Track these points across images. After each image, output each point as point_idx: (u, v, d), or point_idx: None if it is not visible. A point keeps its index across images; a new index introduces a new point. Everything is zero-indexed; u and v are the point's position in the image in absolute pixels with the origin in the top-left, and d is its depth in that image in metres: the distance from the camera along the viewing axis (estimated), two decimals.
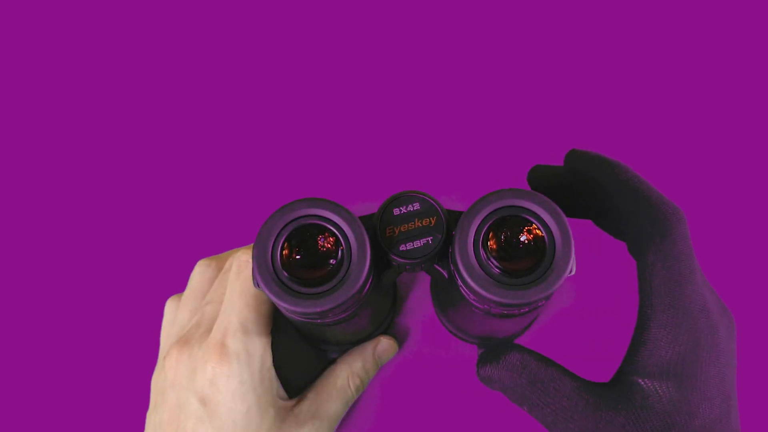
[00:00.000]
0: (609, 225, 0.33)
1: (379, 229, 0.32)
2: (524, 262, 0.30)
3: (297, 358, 0.41)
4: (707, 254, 0.42)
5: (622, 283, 0.48)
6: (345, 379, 0.41)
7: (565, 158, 0.34)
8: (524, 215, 0.30)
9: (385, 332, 0.45)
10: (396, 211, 0.32)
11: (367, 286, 0.32)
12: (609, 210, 0.32)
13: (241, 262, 0.37)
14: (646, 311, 0.30)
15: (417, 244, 0.32)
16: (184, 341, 0.37)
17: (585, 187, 0.33)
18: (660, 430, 0.29)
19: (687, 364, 0.29)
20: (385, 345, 0.43)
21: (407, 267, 0.33)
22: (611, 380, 0.31)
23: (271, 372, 0.37)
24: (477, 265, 0.30)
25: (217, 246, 0.45)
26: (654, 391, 0.29)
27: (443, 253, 0.33)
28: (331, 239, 0.30)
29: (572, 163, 0.33)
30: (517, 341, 0.45)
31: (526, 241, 0.30)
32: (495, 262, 0.30)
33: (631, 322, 0.44)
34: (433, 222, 0.32)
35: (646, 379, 0.29)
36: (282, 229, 0.30)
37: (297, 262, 0.30)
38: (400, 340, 0.47)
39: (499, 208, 0.30)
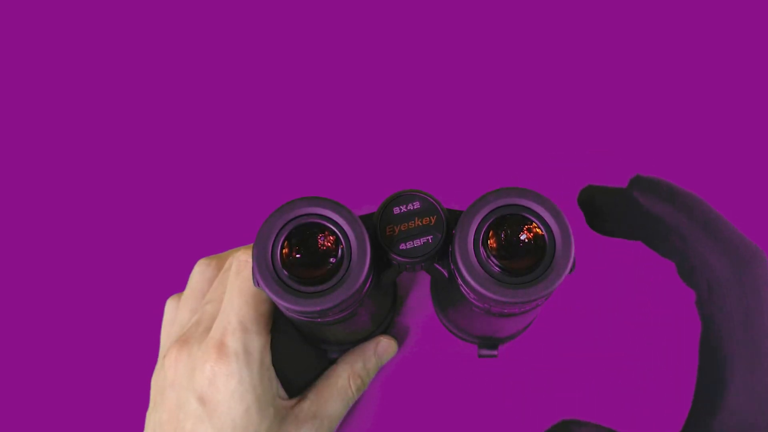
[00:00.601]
0: (669, 253, 0.30)
1: (379, 228, 0.32)
2: (524, 260, 0.30)
3: (297, 358, 0.41)
4: None
5: (623, 282, 0.48)
6: (346, 379, 0.41)
7: (630, 184, 0.31)
8: (524, 214, 0.30)
9: (385, 332, 0.45)
10: (396, 210, 0.32)
11: (367, 285, 0.32)
12: (674, 244, 0.29)
13: (240, 261, 0.37)
14: (722, 369, 0.27)
15: (417, 243, 0.32)
16: (183, 340, 0.37)
17: (648, 219, 0.29)
18: None
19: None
20: (385, 345, 0.43)
21: (407, 266, 0.33)
22: None
23: (271, 371, 0.37)
24: (477, 263, 0.30)
25: (217, 246, 0.45)
26: None
27: (443, 252, 0.33)
28: (331, 238, 0.30)
29: (636, 190, 0.30)
30: (516, 341, 0.45)
31: (527, 240, 0.30)
32: (495, 260, 0.30)
33: (632, 321, 0.43)
34: (433, 221, 0.32)
35: None
36: (282, 227, 0.30)
37: (297, 261, 0.30)
38: (400, 340, 0.47)
39: (499, 207, 0.30)
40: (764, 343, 0.26)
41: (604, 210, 0.31)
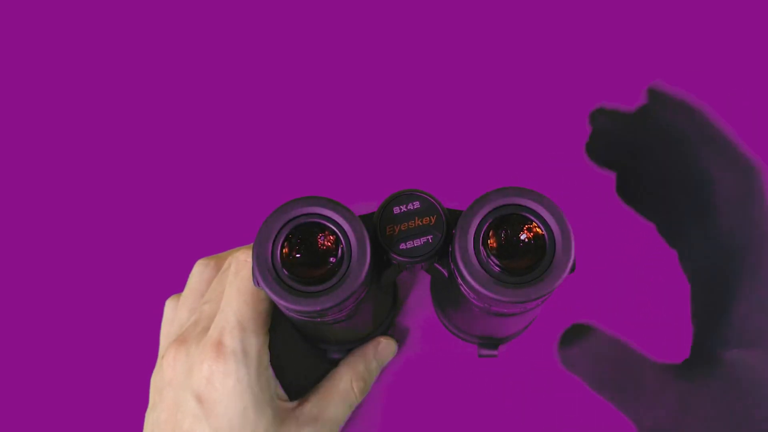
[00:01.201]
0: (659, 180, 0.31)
1: (380, 227, 0.32)
2: (524, 260, 0.30)
3: (297, 359, 0.41)
4: None
5: (623, 282, 0.48)
6: (348, 381, 0.41)
7: (647, 94, 0.32)
8: (524, 213, 0.30)
9: (384, 332, 0.45)
10: (396, 210, 0.32)
11: (367, 285, 0.32)
12: (681, 158, 0.30)
13: (239, 261, 0.37)
14: (726, 276, 0.28)
15: (417, 242, 0.32)
16: (181, 340, 0.37)
17: (659, 133, 0.30)
18: (756, 399, 0.27)
19: None
20: (385, 346, 0.43)
21: (407, 266, 0.33)
22: (692, 357, 0.29)
23: (268, 371, 0.37)
24: (477, 263, 0.30)
25: (217, 246, 0.45)
26: (745, 362, 0.27)
27: (443, 251, 0.33)
28: (332, 237, 0.31)
29: (652, 106, 0.31)
30: (516, 341, 0.45)
31: (527, 240, 0.30)
32: (495, 260, 0.30)
33: (632, 321, 0.43)
34: (433, 220, 0.32)
35: (734, 350, 0.28)
36: (282, 227, 0.30)
37: (297, 261, 0.30)
38: (400, 340, 0.47)
39: (500, 207, 0.30)
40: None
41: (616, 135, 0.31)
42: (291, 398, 0.39)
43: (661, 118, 0.30)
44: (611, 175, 0.37)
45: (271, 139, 0.52)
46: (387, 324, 0.45)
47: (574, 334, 0.30)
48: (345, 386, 0.40)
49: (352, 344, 0.43)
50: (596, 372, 0.29)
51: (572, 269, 0.30)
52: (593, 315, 0.47)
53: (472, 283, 0.29)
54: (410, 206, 0.32)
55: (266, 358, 0.37)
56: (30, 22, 0.55)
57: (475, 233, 0.30)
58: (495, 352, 0.43)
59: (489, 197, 0.30)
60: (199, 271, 0.41)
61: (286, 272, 0.30)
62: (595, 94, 0.52)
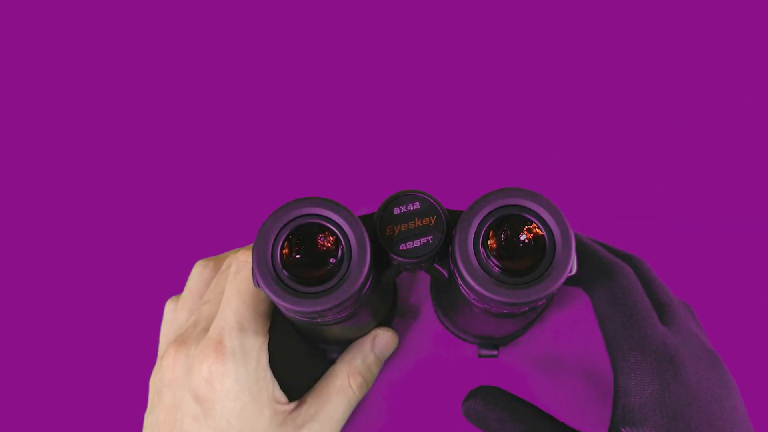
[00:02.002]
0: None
1: (380, 228, 0.32)
2: (524, 261, 0.30)
3: (297, 362, 0.41)
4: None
5: None
6: (345, 377, 0.40)
7: None
8: (524, 214, 0.30)
9: None
10: (396, 210, 0.32)
11: (367, 286, 0.32)
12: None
13: (239, 261, 0.37)
14: (614, 364, 0.32)
15: (417, 243, 0.32)
16: (181, 340, 0.37)
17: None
18: None
19: (660, 404, 0.31)
20: (384, 338, 0.42)
21: (407, 266, 0.33)
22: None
23: (267, 372, 0.37)
24: (477, 264, 0.30)
25: (217, 246, 0.45)
26: None
27: (443, 252, 0.33)
28: (332, 238, 0.31)
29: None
30: (516, 341, 0.45)
31: (527, 241, 0.30)
32: (495, 261, 0.30)
33: None
34: (433, 221, 0.32)
35: (627, 428, 0.31)
36: (282, 228, 0.30)
37: (297, 261, 0.30)
38: (400, 340, 0.46)
39: (500, 207, 0.30)
40: (636, 333, 0.32)
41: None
42: (291, 399, 0.38)
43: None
44: (611, 177, 0.39)
45: (271, 140, 0.52)
46: (387, 325, 0.45)
47: (480, 389, 0.34)
48: (342, 383, 0.40)
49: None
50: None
51: (572, 270, 0.30)
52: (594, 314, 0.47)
53: (472, 283, 0.29)
54: (410, 207, 0.32)
55: (265, 358, 0.37)
56: (30, 22, 0.55)
57: (475, 234, 0.30)
58: (495, 352, 0.43)
59: (489, 198, 0.30)
60: (199, 272, 0.41)
61: (286, 273, 0.30)
62: (595, 94, 0.52)
